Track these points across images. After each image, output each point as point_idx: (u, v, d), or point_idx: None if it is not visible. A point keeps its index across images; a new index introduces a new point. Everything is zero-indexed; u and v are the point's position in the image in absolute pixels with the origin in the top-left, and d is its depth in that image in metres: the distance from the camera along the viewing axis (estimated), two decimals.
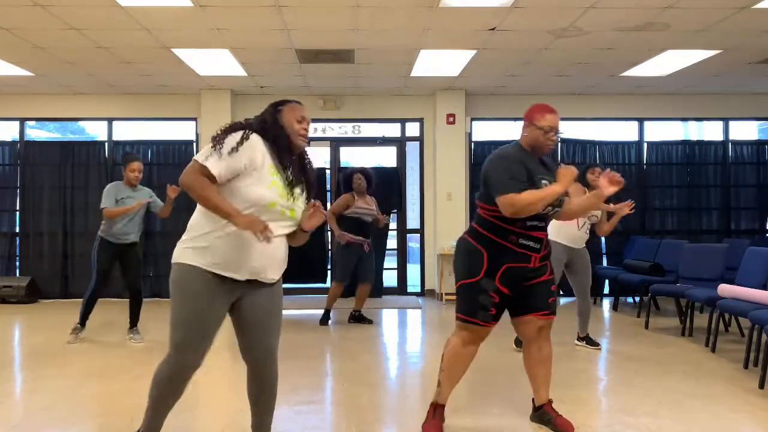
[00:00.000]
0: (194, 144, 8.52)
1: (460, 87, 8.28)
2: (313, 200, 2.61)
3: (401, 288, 8.89)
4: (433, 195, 8.58)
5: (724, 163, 8.80)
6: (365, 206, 6.30)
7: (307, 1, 5.04)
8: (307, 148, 2.73)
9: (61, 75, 7.44)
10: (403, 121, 8.85)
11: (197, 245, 2.42)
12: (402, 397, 4.11)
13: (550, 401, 3.30)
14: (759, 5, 5.09)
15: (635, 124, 8.85)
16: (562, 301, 8.03)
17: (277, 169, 2.48)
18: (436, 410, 3.21)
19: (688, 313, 5.71)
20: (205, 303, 2.42)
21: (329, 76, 7.57)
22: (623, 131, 8.98)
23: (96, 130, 9.44)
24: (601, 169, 5.14)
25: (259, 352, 2.57)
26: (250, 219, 2.29)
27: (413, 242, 10.02)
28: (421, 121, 8.81)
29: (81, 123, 9.94)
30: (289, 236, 2.62)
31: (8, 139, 8.71)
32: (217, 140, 2.40)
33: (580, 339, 5.28)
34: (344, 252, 6.32)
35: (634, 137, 8.85)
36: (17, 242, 8.50)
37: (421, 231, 8.86)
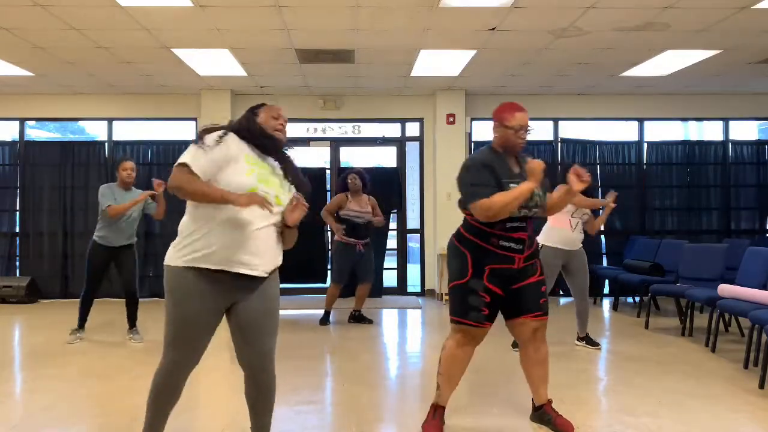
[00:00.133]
0: None
1: (460, 87, 8.28)
2: (295, 194, 2.60)
3: (401, 288, 8.89)
4: (433, 195, 8.59)
5: (724, 163, 8.80)
6: (357, 209, 6.30)
7: (307, 1, 5.04)
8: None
9: (61, 75, 7.44)
10: (403, 121, 8.85)
11: (186, 245, 2.44)
12: (402, 397, 4.11)
13: (549, 401, 3.30)
14: (759, 5, 5.09)
15: (635, 124, 8.85)
16: (562, 301, 8.03)
17: (256, 160, 2.52)
18: (437, 411, 3.22)
19: (688, 313, 5.71)
20: (196, 303, 2.43)
21: (329, 76, 7.57)
22: (623, 131, 8.98)
23: (96, 130, 9.44)
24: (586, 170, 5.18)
25: (255, 356, 2.56)
26: (248, 195, 2.33)
27: (413, 242, 10.02)
28: (421, 121, 8.81)
29: (81, 123, 9.94)
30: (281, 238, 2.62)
31: (8, 139, 8.70)
32: (196, 142, 2.46)
33: (579, 339, 5.29)
34: (339, 253, 6.34)
35: (634, 137, 8.85)
36: (17, 242, 8.50)
37: (421, 231, 8.87)
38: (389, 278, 8.83)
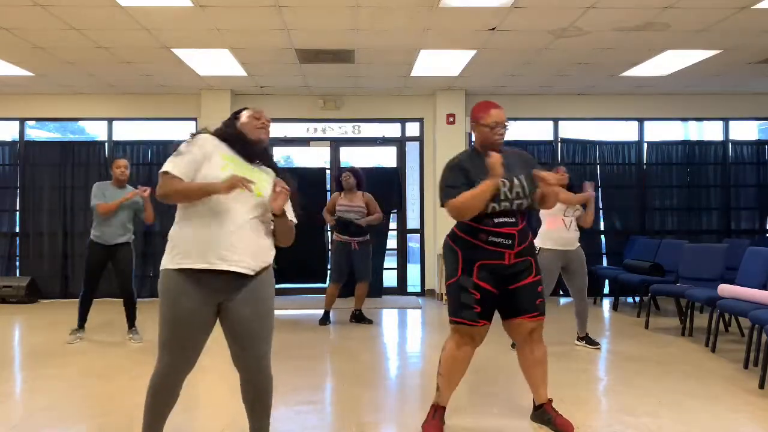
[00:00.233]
0: None
1: (460, 87, 8.28)
2: (275, 179, 2.58)
3: (401, 288, 8.89)
4: (433, 195, 8.58)
5: (724, 163, 8.80)
6: (346, 203, 6.31)
7: (307, 1, 5.04)
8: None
9: (61, 75, 7.44)
10: (403, 121, 8.85)
11: (173, 248, 2.50)
12: (402, 397, 4.11)
13: (550, 400, 3.30)
14: (759, 5, 5.09)
15: (635, 124, 8.85)
16: (562, 301, 8.03)
17: (232, 156, 2.55)
18: (437, 411, 3.22)
19: (688, 313, 5.71)
20: (187, 304, 2.44)
21: (329, 76, 7.57)
22: (623, 131, 8.98)
23: (96, 130, 9.44)
24: (565, 169, 5.21)
25: (250, 358, 2.56)
26: (228, 180, 2.37)
27: (413, 242, 10.02)
28: (421, 121, 8.81)
29: (81, 123, 9.94)
30: (275, 235, 2.63)
31: (8, 139, 8.70)
32: (173, 150, 2.53)
33: (579, 339, 5.29)
34: (336, 252, 6.38)
35: (634, 137, 8.85)
36: (17, 242, 8.50)
37: (421, 231, 8.87)
38: (389, 278, 8.82)
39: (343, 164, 8.82)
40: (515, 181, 3.06)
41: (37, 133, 9.39)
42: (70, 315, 5.86)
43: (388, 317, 7.14)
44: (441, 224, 8.24)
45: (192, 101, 8.44)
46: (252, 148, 2.62)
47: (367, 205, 6.37)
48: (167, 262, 2.50)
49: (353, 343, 5.61)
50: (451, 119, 8.45)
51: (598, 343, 5.23)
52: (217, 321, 2.57)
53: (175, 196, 2.45)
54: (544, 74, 7.48)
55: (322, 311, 6.52)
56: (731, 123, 8.89)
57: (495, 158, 2.96)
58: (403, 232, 9.00)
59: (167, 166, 2.46)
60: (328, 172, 8.76)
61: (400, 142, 8.89)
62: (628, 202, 8.68)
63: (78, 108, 8.62)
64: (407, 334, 6.56)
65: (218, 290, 2.48)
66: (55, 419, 3.50)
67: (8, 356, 5.33)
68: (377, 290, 8.38)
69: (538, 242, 5.06)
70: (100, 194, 5.42)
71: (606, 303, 8.01)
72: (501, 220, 3.04)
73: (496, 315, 3.19)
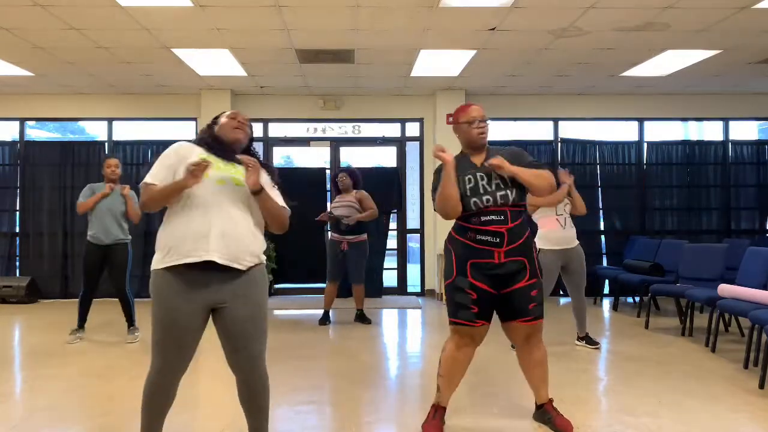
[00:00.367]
0: None
1: (460, 87, 8.28)
2: (242, 157, 2.58)
3: (401, 288, 8.89)
4: None
5: (724, 163, 8.80)
6: (338, 199, 6.34)
7: (307, 1, 5.04)
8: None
9: (61, 75, 7.44)
10: (403, 121, 8.85)
11: (159, 249, 2.53)
12: (402, 397, 4.11)
13: (550, 400, 3.30)
14: (759, 5, 5.09)
15: (635, 124, 8.85)
16: (562, 301, 8.03)
17: (208, 155, 2.57)
18: (437, 411, 3.22)
19: (688, 313, 5.71)
20: (176, 303, 2.45)
21: (329, 76, 7.57)
22: (623, 131, 8.98)
23: (96, 130, 9.44)
24: (569, 170, 5.24)
25: (243, 359, 2.55)
26: (187, 170, 2.41)
27: (413, 242, 10.02)
28: (421, 121, 8.81)
29: (81, 123, 9.94)
30: (265, 221, 2.63)
31: (8, 139, 8.70)
32: (152, 162, 2.62)
33: (579, 339, 5.29)
34: (328, 250, 6.41)
35: (634, 137, 8.85)
36: (17, 242, 8.50)
37: (421, 231, 8.87)
38: (389, 278, 8.82)
39: (342, 164, 8.82)
40: (493, 173, 3.08)
41: (37, 133, 9.39)
42: (70, 315, 5.86)
43: (388, 317, 7.14)
44: (441, 224, 8.23)
45: (192, 101, 8.44)
46: (229, 147, 2.64)
47: (360, 201, 6.32)
48: (155, 262, 2.52)
49: (353, 343, 5.61)
50: (451, 119, 8.43)
51: (598, 343, 5.23)
52: (210, 322, 2.57)
53: (151, 201, 2.51)
54: (544, 74, 7.48)
55: (321, 311, 6.52)
56: (731, 123, 8.89)
57: (436, 148, 3.07)
58: (403, 232, 9.00)
59: (147, 178, 2.54)
60: (328, 172, 8.75)
61: (400, 142, 8.89)
62: (628, 202, 8.68)
63: (78, 108, 8.62)
64: (407, 334, 6.56)
65: (209, 288, 2.47)
66: (55, 419, 3.50)
67: (8, 356, 5.33)
68: (377, 290, 8.38)
69: (538, 243, 5.06)
70: (87, 193, 5.51)
71: (606, 303, 8.00)
72: (488, 218, 3.04)
73: (496, 316, 3.19)
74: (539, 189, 3.09)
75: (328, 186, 8.62)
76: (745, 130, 9.21)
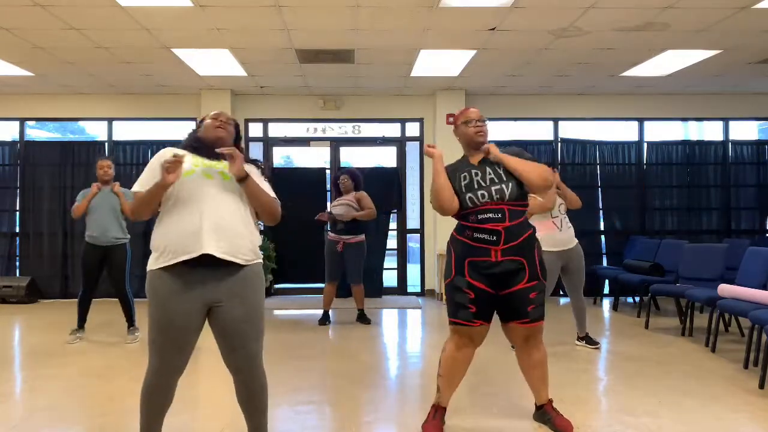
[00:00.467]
0: None
1: (460, 87, 8.28)
2: (225, 149, 2.57)
3: (401, 288, 8.89)
4: None
5: (724, 163, 8.80)
6: (337, 200, 6.33)
7: (307, 1, 5.04)
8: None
9: (61, 75, 7.44)
10: (403, 121, 8.84)
11: (154, 249, 2.54)
12: (402, 397, 4.11)
13: (550, 401, 3.31)
14: (759, 5, 5.09)
15: (635, 124, 8.85)
16: (562, 301, 8.03)
17: (194, 158, 2.60)
18: (437, 411, 3.22)
19: (688, 313, 5.71)
20: (172, 305, 2.46)
21: (329, 76, 7.57)
22: (623, 131, 8.98)
23: (96, 130, 9.44)
24: (557, 169, 5.21)
25: (240, 359, 2.55)
26: (162, 168, 2.43)
27: (413, 242, 10.02)
28: (421, 121, 8.81)
29: (81, 123, 9.94)
30: (258, 212, 2.64)
31: (8, 139, 8.70)
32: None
33: (579, 339, 5.29)
34: (326, 250, 6.41)
35: (634, 137, 8.84)
36: (17, 242, 8.50)
37: (421, 231, 8.87)
38: (389, 278, 8.82)
39: (343, 164, 8.82)
40: (488, 169, 3.12)
41: (37, 133, 9.39)
42: (70, 315, 5.87)
43: (388, 317, 7.14)
44: (441, 224, 8.24)
45: (192, 101, 8.44)
46: (212, 147, 2.64)
47: (358, 201, 6.33)
48: (150, 263, 2.54)
49: (353, 343, 5.61)
50: (451, 119, 8.45)
51: (598, 343, 5.23)
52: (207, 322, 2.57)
53: (139, 207, 2.55)
54: (544, 74, 7.48)
55: (321, 311, 6.52)
56: (731, 123, 8.89)
57: (426, 146, 3.23)
58: (403, 232, 8.99)
59: (134, 186, 2.59)
60: (328, 172, 8.76)
61: (400, 142, 8.89)
62: (628, 202, 8.68)
63: (78, 108, 8.62)
64: (407, 334, 6.56)
65: (205, 287, 2.47)
66: (55, 419, 3.50)
67: (8, 356, 5.33)
68: (377, 290, 8.38)
69: None
70: (79, 200, 5.55)
71: (606, 303, 8.00)
72: (485, 216, 3.04)
73: (496, 317, 3.19)
74: (528, 179, 3.07)
75: (328, 186, 8.63)
76: (745, 130, 9.21)
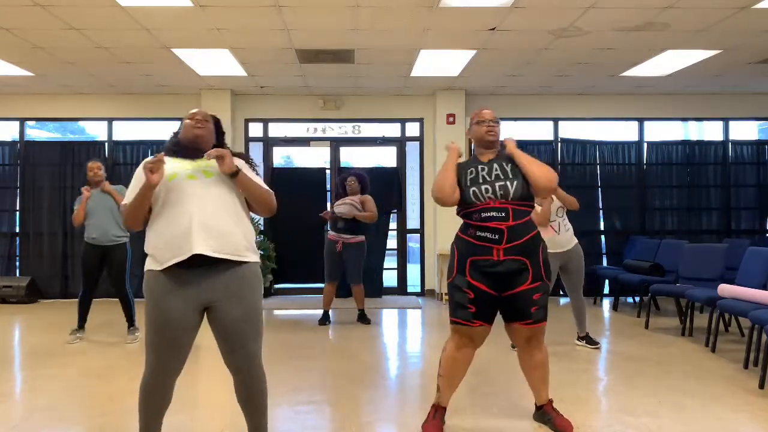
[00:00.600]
0: None
1: (460, 87, 8.28)
2: (212, 151, 2.57)
3: (401, 288, 8.89)
4: None
5: (724, 163, 8.80)
6: (342, 199, 6.33)
7: (307, 1, 5.04)
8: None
9: (61, 75, 7.44)
10: (403, 121, 8.84)
11: (148, 251, 2.55)
12: (402, 397, 4.11)
13: (550, 401, 3.31)
14: (759, 5, 5.09)
15: (635, 124, 8.85)
16: (562, 301, 8.03)
17: (176, 158, 2.61)
18: (437, 411, 3.22)
19: (688, 313, 5.71)
20: (169, 305, 2.46)
21: (329, 76, 7.57)
22: (623, 131, 8.98)
23: (96, 130, 9.44)
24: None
25: (240, 359, 2.55)
26: (144, 169, 2.44)
27: (413, 242, 10.02)
28: (421, 121, 8.81)
29: (81, 123, 9.93)
30: (253, 206, 2.64)
31: (8, 139, 8.70)
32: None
33: (579, 339, 5.29)
34: (325, 250, 6.41)
35: (634, 137, 8.84)
36: (17, 242, 8.51)
37: (421, 231, 8.87)
38: (389, 278, 8.82)
39: (343, 164, 8.82)
40: (495, 165, 3.15)
41: (37, 133, 9.39)
42: (70, 315, 5.87)
43: (388, 317, 7.14)
44: (441, 224, 8.25)
45: (192, 101, 8.40)
46: (192, 146, 2.66)
47: (362, 203, 6.35)
48: (147, 264, 2.55)
49: (353, 343, 5.61)
50: (451, 119, 8.45)
51: (598, 343, 5.23)
52: (206, 322, 2.57)
53: (129, 216, 2.56)
54: (544, 74, 7.48)
55: (321, 311, 6.52)
56: (731, 123, 8.89)
57: (449, 147, 3.33)
58: (403, 232, 8.99)
59: (123, 201, 2.62)
60: (328, 172, 8.76)
61: (400, 142, 8.89)
62: (628, 202, 8.68)
63: (78, 108, 8.62)
64: (407, 334, 6.56)
65: (201, 286, 2.47)
66: (55, 419, 3.50)
67: (8, 356, 5.33)
68: (377, 290, 8.38)
69: None
70: (76, 204, 5.56)
71: (606, 303, 8.00)
72: (488, 214, 3.04)
73: (499, 318, 3.19)
74: (534, 177, 3.09)
75: (328, 186, 8.63)
76: (745, 130, 9.21)
